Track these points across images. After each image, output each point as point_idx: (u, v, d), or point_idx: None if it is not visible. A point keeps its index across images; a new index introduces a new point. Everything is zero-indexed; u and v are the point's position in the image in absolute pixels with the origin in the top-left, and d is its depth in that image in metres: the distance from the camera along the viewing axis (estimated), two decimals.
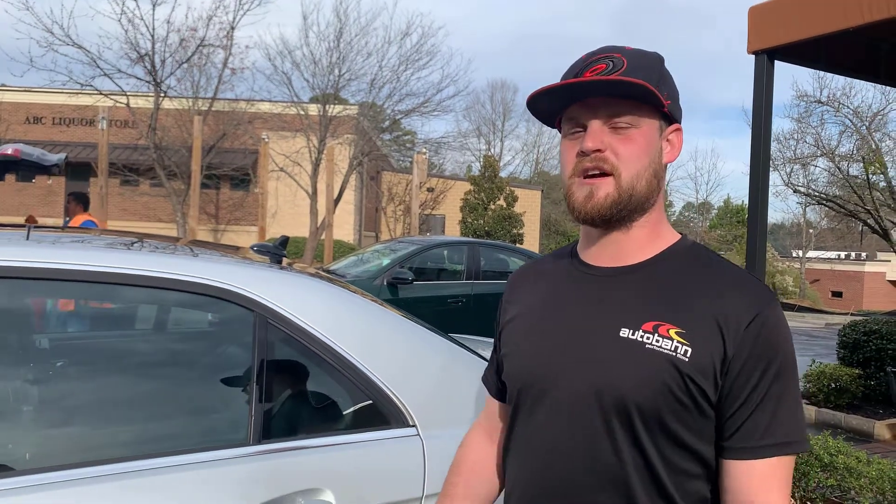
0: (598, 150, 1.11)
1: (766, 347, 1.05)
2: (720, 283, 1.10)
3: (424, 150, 18.85)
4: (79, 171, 20.80)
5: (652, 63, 1.14)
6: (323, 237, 16.07)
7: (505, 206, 26.46)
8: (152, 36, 15.56)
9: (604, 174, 1.11)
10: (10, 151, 6.53)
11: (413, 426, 1.74)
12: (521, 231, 26.34)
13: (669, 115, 1.15)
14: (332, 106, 17.71)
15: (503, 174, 32.73)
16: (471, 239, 11.06)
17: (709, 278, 1.11)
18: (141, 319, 2.06)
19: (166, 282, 1.69)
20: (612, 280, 1.14)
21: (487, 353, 2.12)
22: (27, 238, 1.77)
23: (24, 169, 6.96)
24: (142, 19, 15.60)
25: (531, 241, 27.68)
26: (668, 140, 1.16)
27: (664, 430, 1.07)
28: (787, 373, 1.07)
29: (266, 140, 14.29)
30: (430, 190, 24.36)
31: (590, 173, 1.12)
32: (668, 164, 1.17)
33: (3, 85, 22.35)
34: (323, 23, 32.43)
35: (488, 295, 8.10)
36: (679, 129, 1.17)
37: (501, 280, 8.67)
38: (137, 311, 2.07)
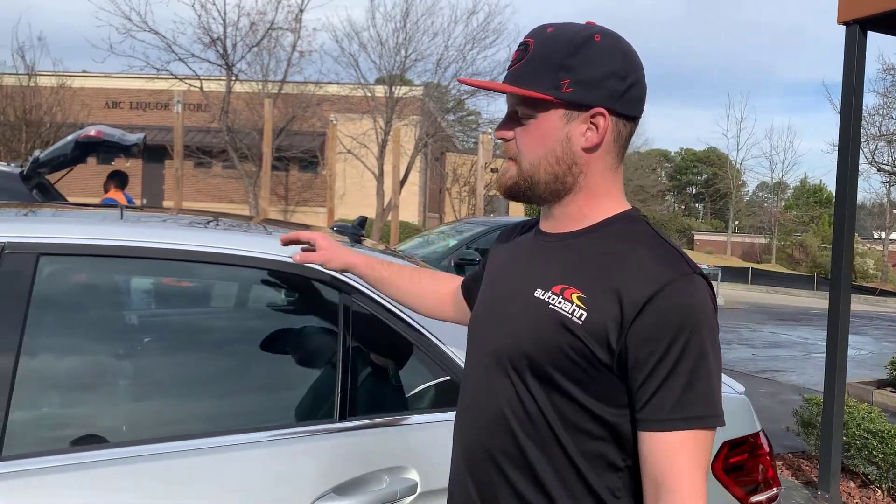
0: (504, 139, 1.22)
1: (673, 319, 1.07)
2: (634, 254, 1.13)
3: (490, 130, 18.74)
4: (155, 153, 21.51)
5: (558, 49, 1.15)
6: (389, 218, 16.20)
7: None
8: (224, 20, 15.90)
9: (511, 158, 1.22)
10: (92, 133, 6.77)
11: None
12: None
13: (579, 102, 1.15)
14: (398, 87, 17.76)
15: None
16: (537, 219, 10.94)
17: (625, 250, 1.14)
18: (227, 297, 2.11)
19: (258, 261, 1.73)
20: (549, 245, 1.23)
21: None
22: (121, 217, 1.83)
23: (106, 150, 7.21)
24: (214, 4, 15.93)
25: None
26: (591, 124, 1.17)
27: (555, 386, 1.12)
28: (700, 347, 1.08)
29: (334, 122, 14.45)
30: (495, 170, 24.22)
31: (505, 153, 1.23)
32: (606, 147, 1.18)
33: (85, 71, 23.24)
34: (390, 3, 32.46)
35: None
36: (603, 113, 1.16)
37: None
38: (225, 289, 2.12)
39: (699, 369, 1.08)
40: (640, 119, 1.23)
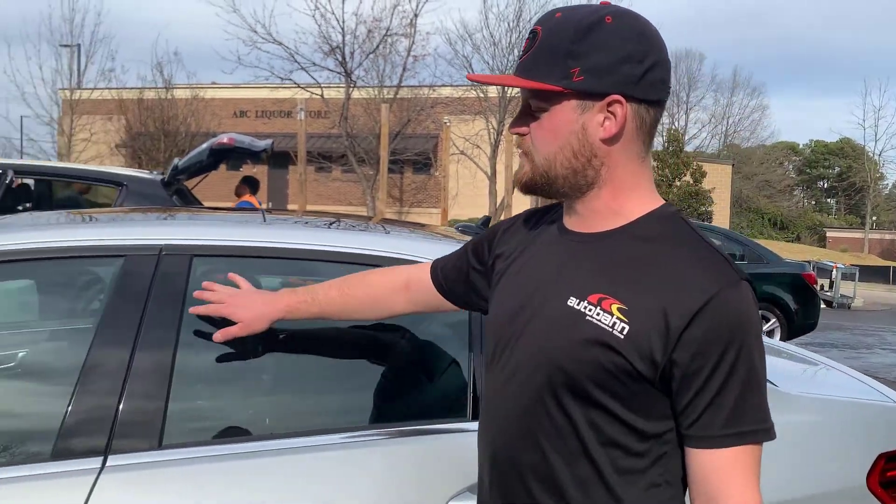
0: (518, 133, 1.15)
1: (721, 333, 1.01)
2: (677, 260, 1.06)
3: None
4: (279, 159, 22.52)
5: (565, 36, 1.07)
6: (502, 217, 16.21)
7: (691, 182, 25.17)
8: (342, 29, 16.43)
9: (525, 153, 1.15)
10: (225, 140, 7.14)
11: None
12: (709, 208, 24.97)
13: (592, 91, 1.07)
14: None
15: (688, 148, 31.13)
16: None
17: (666, 254, 1.07)
18: None
19: (390, 262, 1.76)
20: (579, 246, 1.14)
21: None
22: (264, 220, 1.92)
23: (237, 156, 7.60)
24: (332, 13, 16.46)
25: (721, 219, 26.13)
26: (608, 113, 1.08)
27: (592, 401, 1.06)
28: (750, 359, 1.03)
29: (448, 124, 14.61)
30: None
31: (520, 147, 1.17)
32: (627, 137, 1.10)
33: (214, 83, 24.67)
34: (503, 3, 32.42)
35: None
36: (620, 101, 1.07)
37: None
38: None
39: (750, 382, 1.03)
40: (665, 104, 1.14)
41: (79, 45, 22.52)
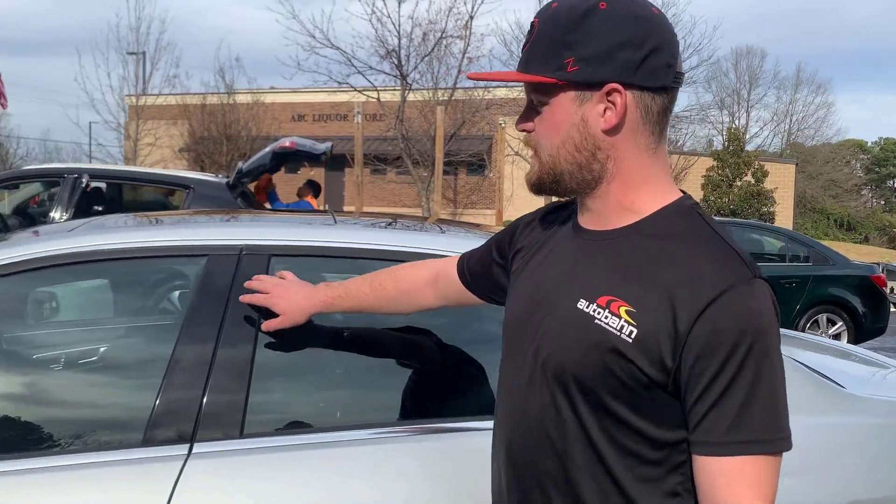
0: (525, 131, 1.13)
1: (731, 330, 0.94)
2: (688, 257, 1.00)
3: (674, 125, 18.05)
4: (335, 162, 22.88)
5: (559, 27, 1.04)
6: None
7: (753, 182, 24.55)
8: (398, 32, 16.62)
9: (533, 151, 1.12)
10: (287, 143, 7.33)
11: None
12: (772, 209, 24.30)
13: (588, 82, 1.03)
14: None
15: (749, 147, 30.38)
16: (720, 218, 10.45)
17: (679, 249, 1.02)
18: None
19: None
20: (591, 245, 1.11)
21: None
22: (335, 222, 2.00)
23: (298, 159, 7.80)
24: (389, 17, 16.67)
25: (784, 220, 25.40)
26: (608, 103, 1.04)
27: (604, 407, 1.02)
28: (762, 360, 0.95)
29: (503, 125, 14.62)
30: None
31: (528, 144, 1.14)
32: (632, 128, 1.05)
33: (272, 87, 25.20)
34: None
35: None
36: (618, 90, 1.02)
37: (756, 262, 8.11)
38: None
39: (759, 386, 0.95)
40: (678, 90, 1.08)
41: (144, 53, 23.35)
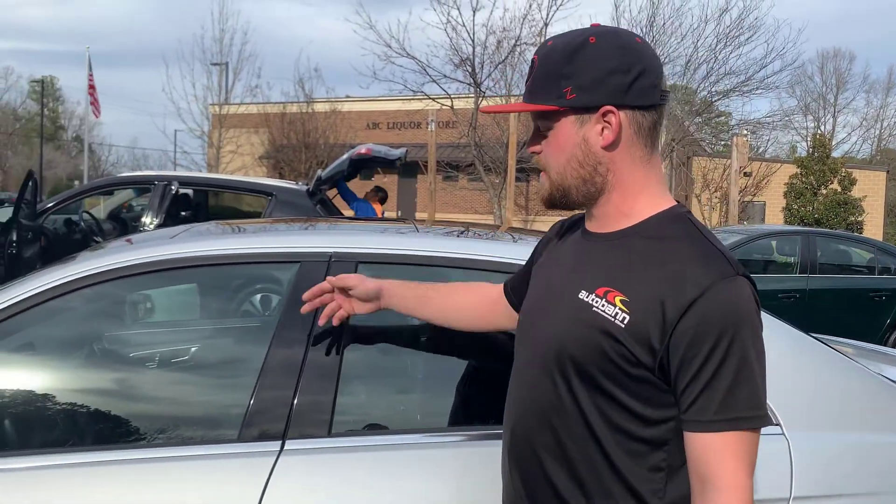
0: (535, 153, 1.27)
1: (716, 321, 1.08)
2: (678, 256, 1.13)
3: (745, 131, 17.56)
4: (408, 169, 23.20)
5: (555, 60, 1.19)
6: None
7: (839, 189, 23.54)
8: (472, 40, 16.72)
9: (543, 171, 1.27)
10: (363, 150, 7.52)
11: (777, 424, 1.68)
12: (860, 218, 23.23)
13: (584, 106, 1.17)
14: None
15: (836, 154, 29.16)
16: (805, 228, 10.08)
17: (669, 249, 1.15)
18: None
19: None
20: (594, 245, 1.25)
21: (848, 356, 1.96)
22: (417, 230, 2.07)
23: (374, 165, 7.98)
24: (463, 25, 16.79)
25: (873, 229, 24.24)
26: (605, 122, 1.18)
27: (598, 387, 1.15)
28: (743, 348, 1.09)
29: None
30: (748, 174, 22.60)
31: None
32: (627, 142, 1.20)
33: (348, 96, 25.78)
34: (635, 9, 31.77)
35: (826, 291, 7.31)
36: (612, 111, 1.17)
37: (842, 274, 7.77)
38: None
39: (742, 371, 1.09)
40: (665, 106, 1.22)
41: (227, 64, 24.25)
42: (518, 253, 1.87)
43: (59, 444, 1.76)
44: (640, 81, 1.18)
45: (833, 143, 31.53)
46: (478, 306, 1.63)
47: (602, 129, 1.19)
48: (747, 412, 1.10)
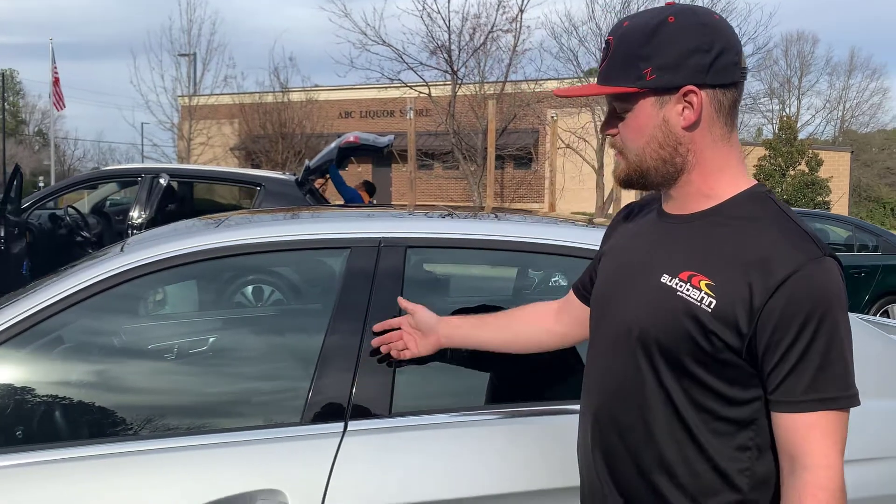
0: (609, 134, 1.27)
1: (802, 305, 1.08)
2: (764, 237, 1.13)
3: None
4: (382, 158, 23.16)
5: (634, 41, 1.18)
6: (610, 210, 16.05)
7: (807, 171, 24.02)
8: (448, 27, 16.69)
9: (619, 152, 1.26)
10: (351, 139, 7.50)
11: None
12: (826, 198, 23.74)
13: (664, 87, 1.16)
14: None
15: (801, 136, 29.69)
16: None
17: (755, 232, 1.14)
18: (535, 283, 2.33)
19: (572, 249, 1.90)
20: (673, 227, 1.24)
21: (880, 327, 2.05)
22: (452, 216, 2.11)
23: (362, 153, 7.95)
24: (438, 12, 16.73)
25: (839, 209, 24.78)
26: (686, 103, 1.17)
27: (684, 369, 1.15)
28: (831, 329, 1.09)
29: (555, 118, 14.60)
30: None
31: (613, 147, 1.28)
32: (707, 122, 1.18)
33: (316, 85, 25.54)
34: None
35: None
36: (694, 91, 1.16)
37: None
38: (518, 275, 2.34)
39: (831, 351, 1.09)
40: (744, 83, 1.21)
41: (195, 54, 23.89)
42: (573, 236, 1.92)
43: (142, 432, 1.77)
44: (720, 60, 1.16)
45: (798, 126, 32.08)
46: (541, 321, 1.61)
47: (683, 110, 1.18)
48: (835, 392, 1.10)
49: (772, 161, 24.66)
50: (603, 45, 1.26)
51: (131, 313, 1.93)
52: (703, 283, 1.14)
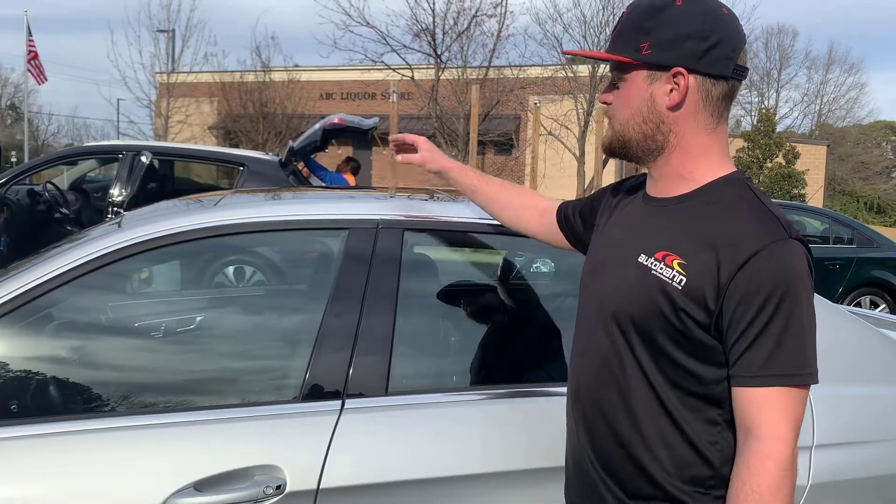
0: (606, 103, 1.32)
1: (766, 281, 1.12)
2: (736, 219, 1.18)
3: None
4: (365, 140, 23.00)
5: (641, 13, 1.24)
6: None
7: (784, 163, 24.31)
8: (433, 10, 16.60)
9: (609, 119, 1.32)
10: (336, 120, 7.45)
11: None
12: (802, 191, 24.07)
13: (659, 63, 1.22)
14: (602, 65, 17.51)
15: (779, 129, 30.02)
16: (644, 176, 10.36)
17: (727, 213, 1.19)
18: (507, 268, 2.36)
19: None
20: (654, 209, 1.30)
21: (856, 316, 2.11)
22: (452, 200, 2.13)
23: (347, 135, 7.91)
24: None
25: (814, 202, 25.11)
26: (673, 84, 1.22)
27: (657, 345, 1.21)
28: (794, 307, 1.13)
29: (538, 104, 14.62)
30: None
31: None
32: (692, 106, 1.23)
33: (297, 65, 25.25)
34: None
35: None
36: (682, 72, 1.21)
37: None
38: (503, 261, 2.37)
39: (789, 329, 1.13)
40: (740, 82, 1.25)
41: (174, 31, 23.49)
42: None
43: (128, 408, 1.79)
44: (715, 51, 1.21)
45: (776, 118, 32.41)
46: (523, 208, 1.74)
47: (670, 90, 1.23)
48: (792, 369, 1.13)
49: (750, 153, 24.93)
50: (619, 17, 1.32)
51: (129, 291, 1.93)
52: (675, 262, 1.20)
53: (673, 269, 1.20)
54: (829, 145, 29.70)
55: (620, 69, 1.27)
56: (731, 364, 1.18)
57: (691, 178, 1.26)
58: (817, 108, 47.08)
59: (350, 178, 9.02)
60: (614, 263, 1.31)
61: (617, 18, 1.32)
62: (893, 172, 52.31)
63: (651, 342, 1.22)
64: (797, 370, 1.14)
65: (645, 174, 1.40)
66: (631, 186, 1.45)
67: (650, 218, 1.30)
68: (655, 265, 1.22)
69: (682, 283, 1.18)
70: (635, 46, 1.23)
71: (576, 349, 1.39)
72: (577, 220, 1.62)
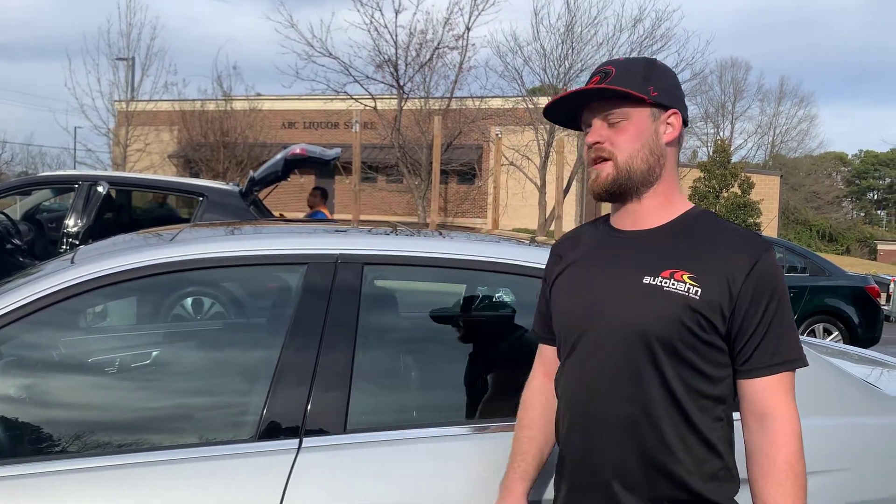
0: (597, 143, 1.43)
1: (765, 287, 1.33)
2: (724, 239, 1.38)
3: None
4: (328, 170, 22.96)
5: (637, 68, 1.43)
6: (552, 228, 16.29)
7: (739, 193, 24.92)
8: (395, 42, 16.77)
9: (604, 160, 1.42)
10: (298, 151, 7.40)
11: None
12: (757, 220, 24.69)
13: (662, 104, 1.42)
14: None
15: (734, 159, 30.81)
16: (586, 227, 10.62)
17: (716, 235, 1.39)
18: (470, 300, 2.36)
19: (517, 267, 1.93)
20: (634, 240, 1.43)
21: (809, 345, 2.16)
22: (414, 234, 2.13)
23: (308, 165, 7.86)
24: (385, 27, 16.80)
25: (769, 231, 25.81)
26: (667, 123, 1.43)
27: (679, 356, 1.33)
28: (784, 305, 1.35)
29: (499, 136, 14.79)
30: None
31: (595, 161, 1.44)
32: (676, 143, 1.45)
33: (259, 94, 25.19)
34: (554, 16, 32.41)
35: None
36: (676, 113, 1.43)
37: None
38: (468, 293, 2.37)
39: (786, 321, 1.36)
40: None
41: (134, 59, 23.24)
42: (529, 256, 1.95)
43: (79, 448, 1.73)
44: (685, 100, 1.50)
45: (731, 149, 33.28)
46: (546, 399, 1.56)
47: (667, 128, 1.44)
48: (794, 355, 1.36)
49: (706, 183, 25.52)
50: (600, 73, 1.45)
51: (83, 326, 1.88)
52: (685, 277, 1.34)
53: (685, 283, 1.33)
54: (782, 175, 30.58)
55: (625, 107, 1.41)
56: (743, 360, 1.35)
57: (671, 208, 1.44)
58: (770, 139, 48.55)
59: (325, 210, 8.91)
60: (614, 291, 1.39)
61: (601, 74, 1.43)
62: (843, 202, 54.03)
63: (673, 353, 1.33)
64: (798, 355, 1.36)
65: (586, 224, 1.56)
66: (582, 234, 1.55)
67: (636, 247, 1.42)
68: (665, 282, 1.34)
69: (699, 294, 1.32)
70: (644, 89, 1.40)
71: (573, 375, 1.43)
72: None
